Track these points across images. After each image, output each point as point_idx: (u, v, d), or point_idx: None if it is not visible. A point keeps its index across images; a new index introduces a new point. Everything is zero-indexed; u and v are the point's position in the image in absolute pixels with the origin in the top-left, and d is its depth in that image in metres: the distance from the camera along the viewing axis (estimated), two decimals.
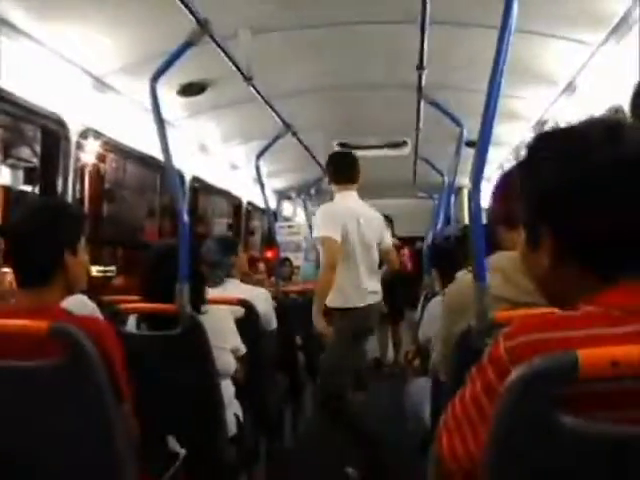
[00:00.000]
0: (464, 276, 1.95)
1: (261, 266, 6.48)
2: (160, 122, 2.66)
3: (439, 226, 5.00)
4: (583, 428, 0.97)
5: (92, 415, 1.77)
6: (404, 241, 7.99)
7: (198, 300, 2.74)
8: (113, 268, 5.67)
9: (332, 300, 3.87)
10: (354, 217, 3.92)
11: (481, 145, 1.82)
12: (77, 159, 3.61)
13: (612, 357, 0.95)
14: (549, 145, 1.19)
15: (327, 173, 4.14)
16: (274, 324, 3.83)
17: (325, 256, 3.85)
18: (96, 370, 1.74)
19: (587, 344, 0.99)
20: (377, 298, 4.04)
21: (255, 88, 3.78)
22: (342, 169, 4.06)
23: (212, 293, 3.04)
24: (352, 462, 4.06)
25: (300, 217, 8.96)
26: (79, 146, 3.61)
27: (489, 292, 1.73)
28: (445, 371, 1.94)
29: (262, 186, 4.49)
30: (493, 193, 1.98)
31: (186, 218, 2.62)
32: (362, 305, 3.94)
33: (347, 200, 4.00)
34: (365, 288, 3.95)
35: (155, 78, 2.61)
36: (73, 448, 1.78)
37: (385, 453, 3.97)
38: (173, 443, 2.37)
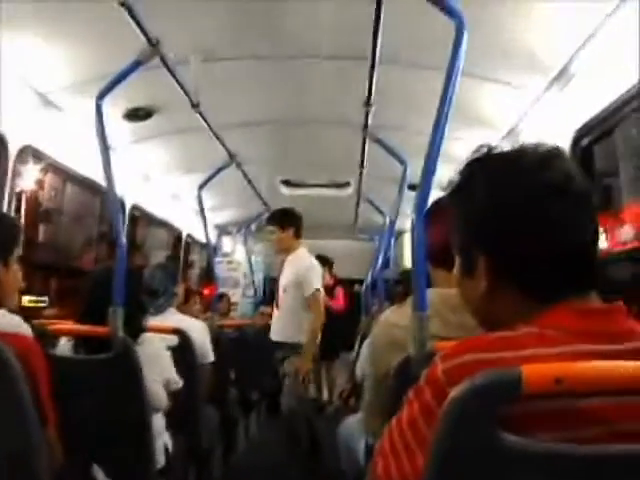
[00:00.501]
0: (388, 315, 1.93)
1: (196, 299, 6.40)
2: (104, 144, 2.61)
3: (378, 268, 5.01)
4: (526, 447, 0.95)
5: (12, 435, 1.67)
6: (342, 282, 8.01)
7: (135, 328, 2.67)
8: (45, 298, 5.48)
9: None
10: None
11: (425, 182, 1.83)
12: (14, 177, 3.50)
13: (556, 374, 0.94)
14: (482, 170, 1.20)
15: (284, 228, 4.71)
16: (211, 357, 3.77)
17: (320, 306, 4.56)
18: (19, 388, 1.66)
19: (524, 364, 0.98)
20: None
21: (202, 115, 3.76)
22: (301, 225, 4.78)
23: (151, 321, 2.97)
24: None
25: (239, 253, 8.90)
26: (17, 164, 3.51)
27: (427, 322, 1.72)
28: (368, 418, 1.91)
29: (204, 217, 4.44)
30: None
31: (124, 240, 2.56)
32: None
33: None
34: None
35: (101, 96, 2.56)
36: None
37: None
38: (98, 473, 2.28)
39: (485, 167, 1.20)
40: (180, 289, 3.92)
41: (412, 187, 4.25)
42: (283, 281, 4.71)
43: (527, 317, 1.11)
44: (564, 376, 0.94)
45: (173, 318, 3.61)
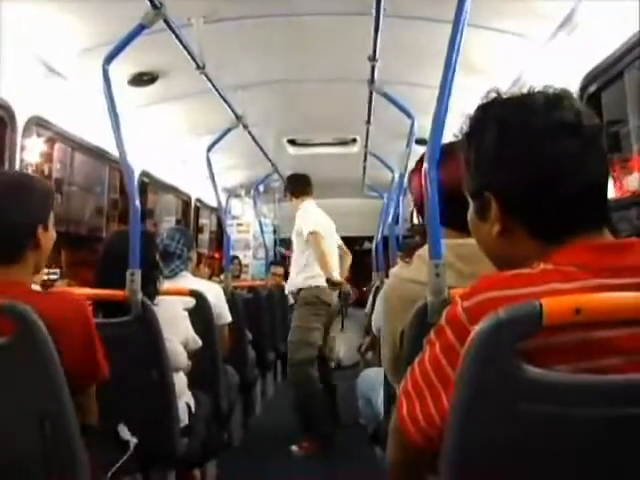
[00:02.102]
0: (399, 270, 1.94)
1: (206, 263, 6.46)
2: (113, 109, 2.61)
3: (388, 223, 5.02)
4: (548, 378, 0.98)
5: (35, 399, 1.72)
6: (352, 241, 8.03)
7: (151, 289, 2.71)
8: (57, 270, 5.51)
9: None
10: None
11: (435, 131, 1.83)
12: (22, 149, 3.51)
13: (576, 304, 0.96)
14: (491, 112, 1.21)
15: (295, 194, 5.10)
16: (228, 317, 3.82)
17: (318, 245, 4.77)
18: (45, 352, 1.70)
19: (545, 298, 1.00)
20: None
21: (208, 78, 3.74)
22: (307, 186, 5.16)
23: (166, 284, 3.01)
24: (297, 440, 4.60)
25: (249, 216, 8.91)
26: (25, 136, 3.52)
27: (444, 269, 1.73)
28: (392, 372, 1.93)
29: (213, 179, 4.45)
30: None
31: (138, 203, 2.58)
32: None
33: None
34: None
35: (108, 61, 2.56)
36: (19, 434, 1.73)
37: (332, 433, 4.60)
38: (124, 432, 2.33)
39: (494, 110, 1.21)
40: (193, 253, 3.95)
41: (420, 141, 4.24)
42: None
43: (542, 256, 1.12)
44: (584, 306, 0.96)
45: (188, 281, 3.65)
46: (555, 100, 1.17)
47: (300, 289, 4.86)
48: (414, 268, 1.84)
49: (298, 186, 5.13)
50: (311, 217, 4.91)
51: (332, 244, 4.99)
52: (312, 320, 4.75)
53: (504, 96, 1.23)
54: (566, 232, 1.13)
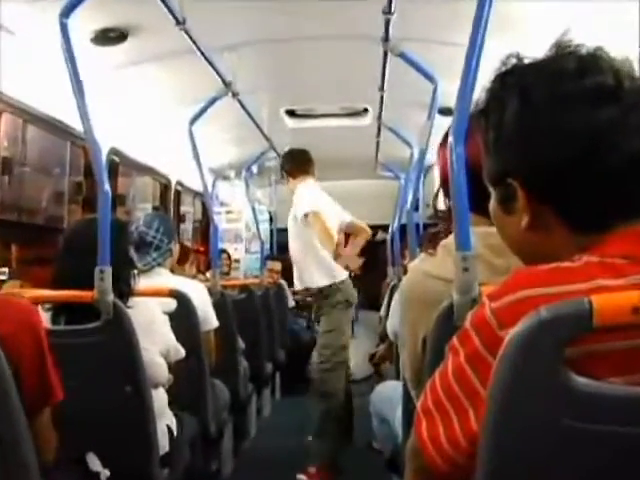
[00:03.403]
0: (419, 264, 1.94)
1: (192, 259, 6.46)
2: (75, 73, 2.59)
3: (407, 209, 5.00)
4: (600, 392, 0.96)
5: None
6: None
7: (124, 289, 2.71)
8: (5, 270, 5.49)
9: None
10: None
11: (463, 98, 1.82)
12: None
13: (633, 302, 0.94)
14: (513, 82, 1.19)
15: (292, 174, 5.15)
16: (214, 322, 3.82)
17: (315, 226, 4.81)
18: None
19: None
20: None
21: (189, 35, 3.71)
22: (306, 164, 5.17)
23: (141, 283, 3.01)
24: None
25: (240, 202, 8.91)
26: None
27: (474, 263, 1.73)
28: (413, 386, 1.93)
29: (197, 159, 4.45)
30: None
31: (107, 188, 2.58)
32: None
33: None
34: None
35: (66, 13, 2.52)
36: None
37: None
38: (94, 462, 2.33)
39: (516, 78, 1.19)
40: (175, 246, 3.95)
41: (444, 111, 4.22)
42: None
43: (581, 249, 1.11)
44: None
45: (164, 279, 3.66)
46: (589, 61, 1.14)
47: (322, 288, 4.89)
48: (438, 261, 1.83)
49: (296, 164, 5.14)
50: (305, 197, 4.95)
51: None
52: (344, 322, 4.91)
53: (526, 61, 1.21)
54: (609, 218, 1.11)
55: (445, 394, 1.13)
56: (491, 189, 1.25)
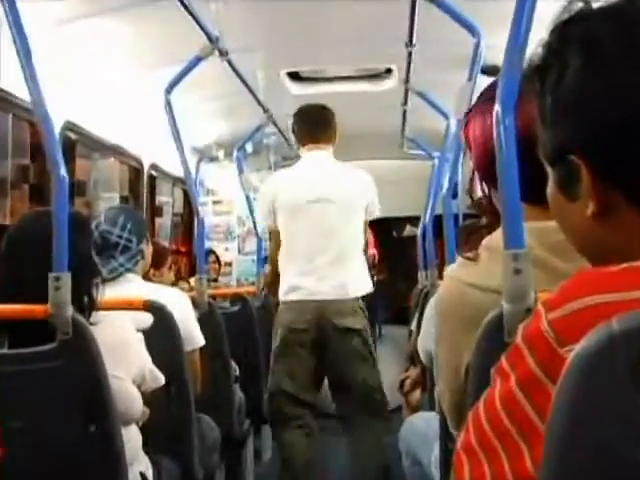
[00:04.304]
0: (457, 270, 1.93)
1: (168, 263, 6.46)
2: (19, 29, 2.59)
3: (442, 197, 5.00)
4: None
5: None
6: (387, 225, 8.01)
7: (87, 301, 2.71)
8: None
9: None
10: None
11: (513, 56, 1.82)
12: None
13: None
14: (575, 32, 1.18)
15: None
16: (199, 340, 3.83)
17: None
18: None
19: None
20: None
21: None
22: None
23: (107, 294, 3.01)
24: None
25: (232, 189, 8.92)
26: None
27: (527, 262, 1.72)
28: (453, 418, 1.92)
29: (177, 135, 4.45)
30: None
31: (63, 173, 2.58)
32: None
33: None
34: None
35: None
36: None
37: None
38: None
39: (579, 27, 1.18)
40: (148, 247, 3.95)
41: (488, 70, 4.22)
42: None
43: None
44: None
45: (136, 288, 3.66)
46: None
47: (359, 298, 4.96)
48: (482, 267, 1.83)
49: (308, 125, 5.17)
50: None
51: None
52: None
53: (595, 5, 1.20)
54: None
55: (492, 428, 1.13)
56: (548, 169, 1.24)
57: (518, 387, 1.10)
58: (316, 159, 5.10)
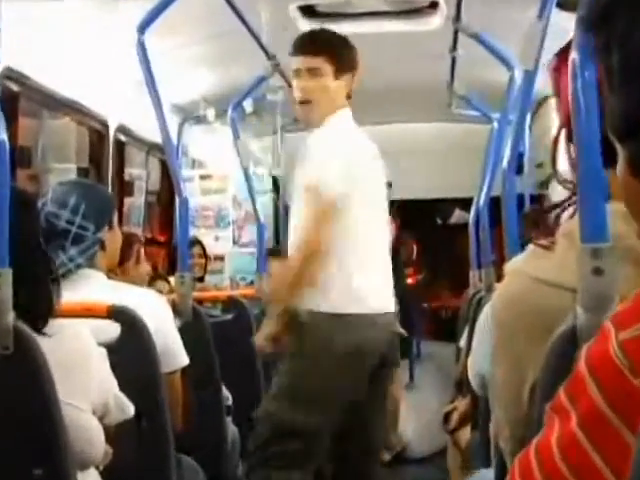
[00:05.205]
0: (523, 264, 1.93)
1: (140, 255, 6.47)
2: None
3: (502, 172, 5.00)
4: None
5: None
6: (429, 208, 7.99)
7: (38, 306, 2.72)
8: None
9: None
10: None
11: None
12: None
13: None
14: None
15: (339, 71, 4.88)
16: (181, 359, 3.83)
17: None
18: None
19: None
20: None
21: None
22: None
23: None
24: None
25: (225, 160, 8.94)
26: None
27: (611, 261, 1.72)
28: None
29: (153, 88, 4.46)
30: None
31: (2, 134, 2.59)
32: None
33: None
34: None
35: None
36: None
37: None
38: None
39: None
40: (116, 236, 3.94)
41: (565, 3, 4.22)
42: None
43: None
44: None
45: (96, 288, 3.66)
46: None
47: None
48: (557, 259, 1.83)
49: (352, 66, 5.03)
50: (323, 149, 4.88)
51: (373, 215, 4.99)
52: None
53: None
54: None
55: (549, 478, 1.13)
56: (617, 144, 1.24)
57: (580, 428, 1.09)
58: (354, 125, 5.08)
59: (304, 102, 4.86)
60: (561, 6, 4.08)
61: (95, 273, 3.73)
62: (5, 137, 2.61)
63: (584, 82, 1.74)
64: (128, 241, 5.89)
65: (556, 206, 1.99)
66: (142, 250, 6.18)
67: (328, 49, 4.88)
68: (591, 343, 1.12)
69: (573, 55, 1.76)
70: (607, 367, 1.07)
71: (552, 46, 2.33)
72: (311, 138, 4.88)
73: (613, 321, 1.09)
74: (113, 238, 3.85)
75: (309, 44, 4.93)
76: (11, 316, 2.53)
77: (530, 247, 1.94)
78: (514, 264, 1.95)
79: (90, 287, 3.60)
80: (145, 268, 6.22)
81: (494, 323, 1.96)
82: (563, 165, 2.01)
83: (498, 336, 1.92)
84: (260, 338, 4.70)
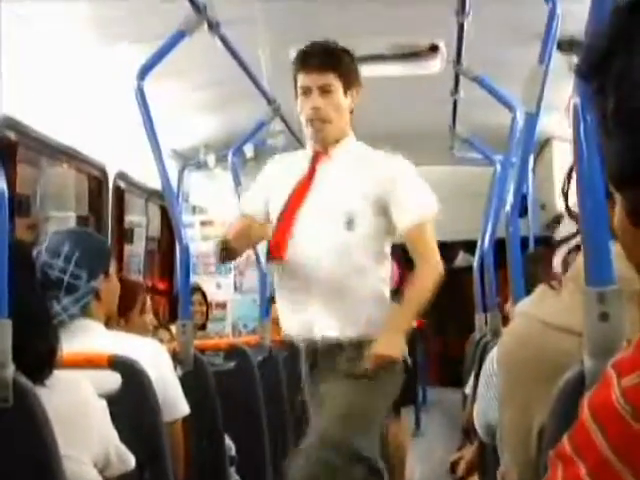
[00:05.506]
0: (532, 306, 1.93)
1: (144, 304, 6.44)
2: None
3: (506, 214, 5.00)
4: None
5: None
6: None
7: (39, 358, 2.71)
8: None
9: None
10: None
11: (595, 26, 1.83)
12: None
13: None
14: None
15: (349, 87, 4.72)
16: (182, 408, 3.81)
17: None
18: None
19: None
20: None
21: None
22: None
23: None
24: None
25: (225, 205, 8.95)
26: None
27: (618, 304, 1.72)
28: None
29: (153, 134, 4.47)
30: None
31: (2, 183, 2.59)
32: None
33: None
34: None
35: None
36: None
37: None
38: None
39: None
40: (113, 284, 3.92)
41: (565, 45, 4.23)
42: (337, 205, 4.69)
43: None
44: None
45: (94, 337, 3.64)
46: None
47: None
48: (565, 302, 1.83)
49: (359, 83, 4.88)
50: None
51: None
52: None
53: None
54: None
55: None
56: (615, 192, 1.24)
57: (589, 476, 1.09)
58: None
59: (319, 120, 4.65)
60: (562, 47, 4.10)
61: (92, 323, 3.69)
62: (4, 186, 2.61)
63: (586, 125, 1.74)
64: (133, 290, 5.87)
65: (563, 241, 1.99)
66: (147, 300, 6.16)
67: (338, 65, 4.70)
68: (594, 390, 1.12)
69: (574, 99, 1.77)
70: (610, 413, 1.07)
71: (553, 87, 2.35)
72: (397, 161, 4.88)
73: (615, 368, 1.10)
74: (110, 287, 3.82)
75: (319, 60, 4.69)
76: (11, 368, 2.52)
77: (539, 288, 1.95)
78: (523, 306, 1.96)
79: (87, 337, 3.57)
80: (149, 318, 6.19)
81: (502, 365, 1.96)
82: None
83: (506, 379, 1.93)
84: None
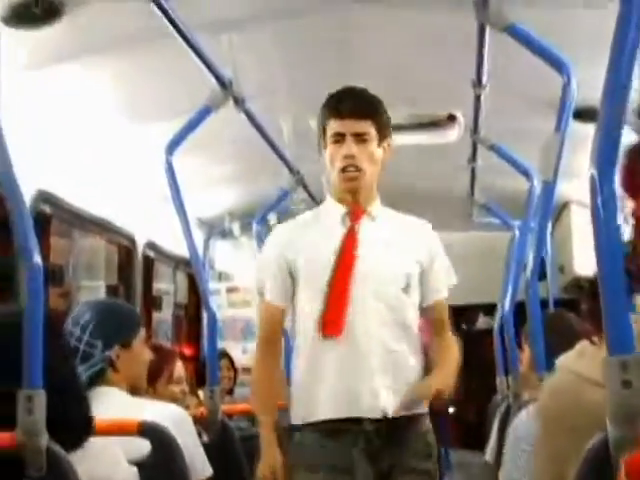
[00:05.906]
0: (567, 362, 1.93)
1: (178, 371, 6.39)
2: None
3: (525, 278, 4.98)
4: None
5: None
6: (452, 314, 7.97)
7: (71, 428, 2.70)
8: None
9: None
10: None
11: (613, 102, 1.83)
12: None
13: None
14: None
15: (384, 138, 4.38)
16: (207, 469, 3.79)
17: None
18: None
19: None
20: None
21: (163, 10, 3.76)
22: None
23: None
24: None
25: (249, 273, 8.93)
26: None
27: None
28: None
29: (180, 205, 4.47)
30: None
31: (37, 260, 2.59)
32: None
33: None
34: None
35: None
36: None
37: None
38: None
39: None
40: (141, 350, 3.90)
41: (582, 114, 4.22)
42: (397, 267, 4.37)
43: None
44: None
45: (115, 403, 3.61)
46: None
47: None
48: (602, 358, 1.82)
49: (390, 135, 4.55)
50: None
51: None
52: None
53: None
54: None
55: None
56: None
57: None
58: None
59: (354, 169, 4.22)
60: (579, 116, 4.10)
61: (112, 390, 3.66)
62: (39, 260, 2.61)
63: (603, 197, 1.74)
64: (160, 360, 5.82)
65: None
66: (180, 369, 6.04)
67: (375, 113, 4.36)
68: (629, 458, 1.11)
69: (590, 170, 1.77)
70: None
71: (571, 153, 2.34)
72: (430, 228, 4.64)
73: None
74: (130, 357, 3.77)
75: (355, 105, 4.32)
76: (45, 438, 2.51)
77: (578, 346, 1.95)
78: (564, 361, 1.96)
79: (108, 404, 3.55)
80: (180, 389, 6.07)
81: (539, 415, 1.95)
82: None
83: (541, 427, 1.92)
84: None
